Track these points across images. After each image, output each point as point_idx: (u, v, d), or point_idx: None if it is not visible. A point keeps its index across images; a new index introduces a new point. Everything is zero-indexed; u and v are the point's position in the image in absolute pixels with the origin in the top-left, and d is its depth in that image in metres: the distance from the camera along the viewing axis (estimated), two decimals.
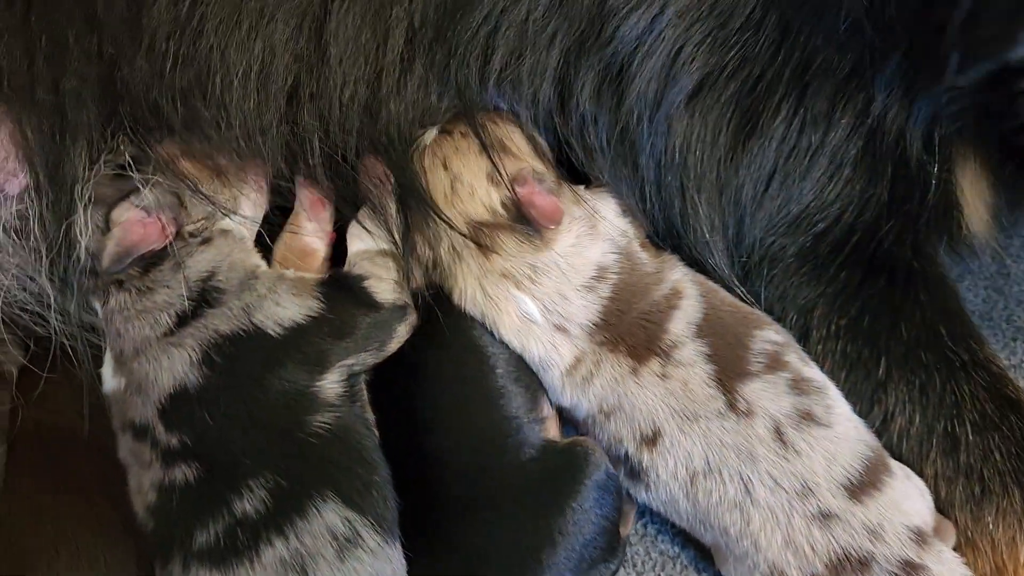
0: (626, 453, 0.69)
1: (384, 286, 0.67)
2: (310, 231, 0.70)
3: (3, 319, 0.68)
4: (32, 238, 0.66)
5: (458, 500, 0.66)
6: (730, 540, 0.66)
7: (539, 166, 0.72)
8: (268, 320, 0.63)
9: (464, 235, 0.69)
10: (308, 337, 0.63)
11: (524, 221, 0.70)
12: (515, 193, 0.69)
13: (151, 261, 0.64)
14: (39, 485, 0.65)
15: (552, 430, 0.70)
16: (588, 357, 0.70)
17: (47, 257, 0.65)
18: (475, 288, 0.69)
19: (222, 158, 0.67)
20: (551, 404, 0.72)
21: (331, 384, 0.63)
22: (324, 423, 0.62)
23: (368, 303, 0.65)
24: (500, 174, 0.70)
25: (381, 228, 0.69)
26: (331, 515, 0.59)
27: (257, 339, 0.62)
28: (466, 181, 0.70)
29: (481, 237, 0.69)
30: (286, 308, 0.63)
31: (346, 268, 0.68)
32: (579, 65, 0.72)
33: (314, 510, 0.59)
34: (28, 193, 0.65)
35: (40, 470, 0.66)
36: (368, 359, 0.65)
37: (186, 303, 0.63)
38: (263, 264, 0.67)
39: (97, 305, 0.66)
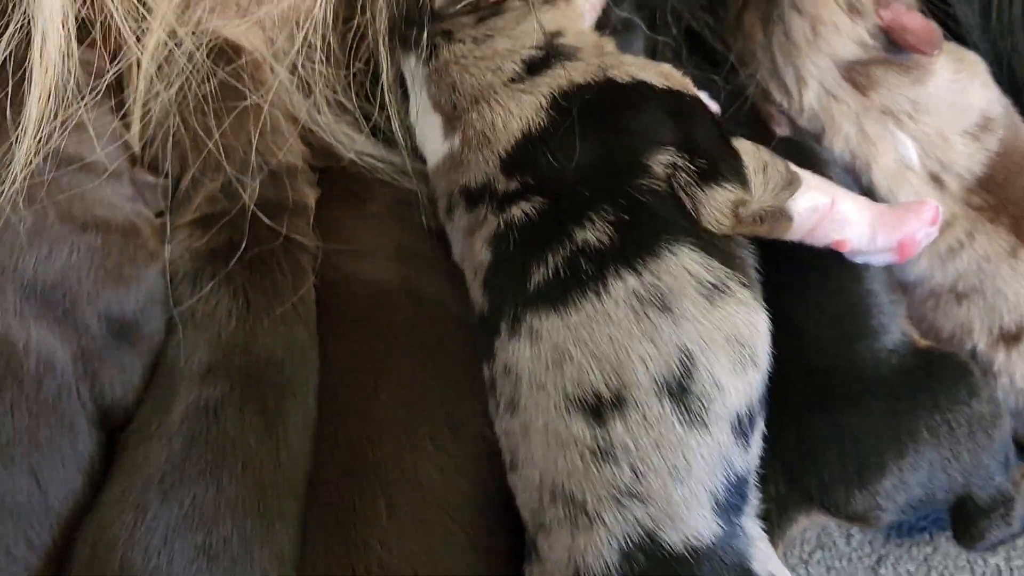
0: (974, 349, 0.60)
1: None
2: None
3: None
4: None
5: (812, 377, 0.57)
6: None
7: None
8: (622, 74, 0.57)
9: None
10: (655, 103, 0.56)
11: (897, 50, 0.62)
12: (882, 19, 0.62)
13: (484, 13, 0.59)
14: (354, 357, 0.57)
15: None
16: (960, 223, 0.60)
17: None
18: (852, 127, 0.62)
19: None
20: None
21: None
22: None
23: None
24: (860, 4, 0.62)
25: None
26: (690, 262, 0.51)
27: (609, 87, 0.56)
28: (827, 19, 0.63)
29: (856, 76, 0.63)
30: (643, 69, 0.58)
31: None
32: None
33: (668, 253, 0.51)
34: None
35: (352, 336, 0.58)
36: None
37: (535, 51, 0.58)
38: (611, 43, 0.61)
39: (417, 65, 0.60)
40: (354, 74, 0.65)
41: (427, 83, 0.60)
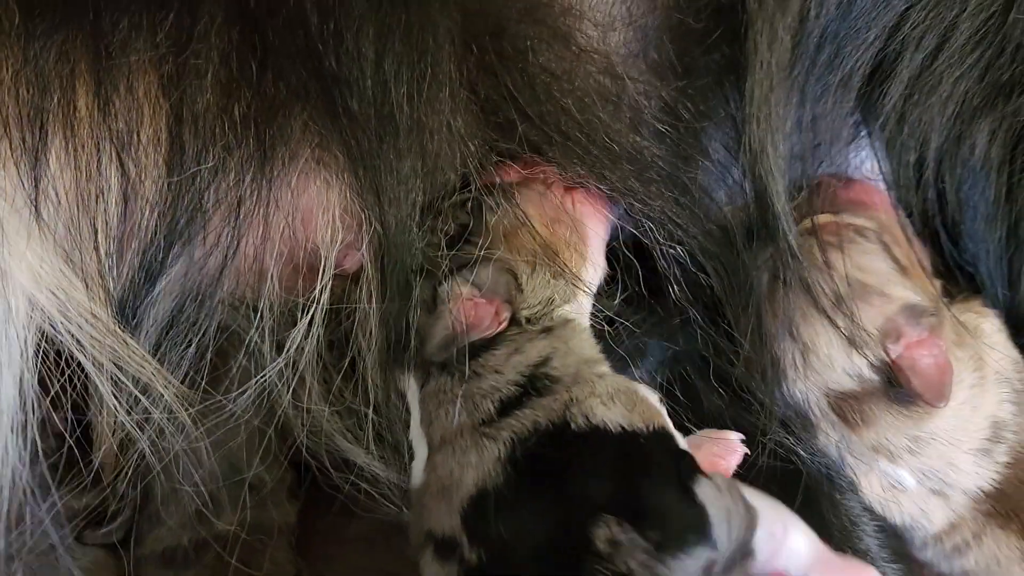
0: None
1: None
2: None
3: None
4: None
5: None
6: None
7: (910, 294, 0.58)
8: (580, 415, 0.53)
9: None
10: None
11: (900, 389, 0.55)
12: (889, 354, 0.55)
13: (481, 345, 0.56)
14: None
15: None
16: (967, 526, 0.57)
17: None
18: (835, 452, 0.57)
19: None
20: None
21: None
22: None
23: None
24: (863, 337, 0.55)
25: None
26: None
27: (558, 438, 0.53)
28: (820, 351, 0.57)
29: (845, 410, 0.56)
30: (609, 403, 0.53)
31: None
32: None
33: None
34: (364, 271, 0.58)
35: None
36: None
37: (513, 388, 0.54)
38: (605, 365, 0.57)
39: (412, 385, 0.58)
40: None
41: (421, 404, 0.57)
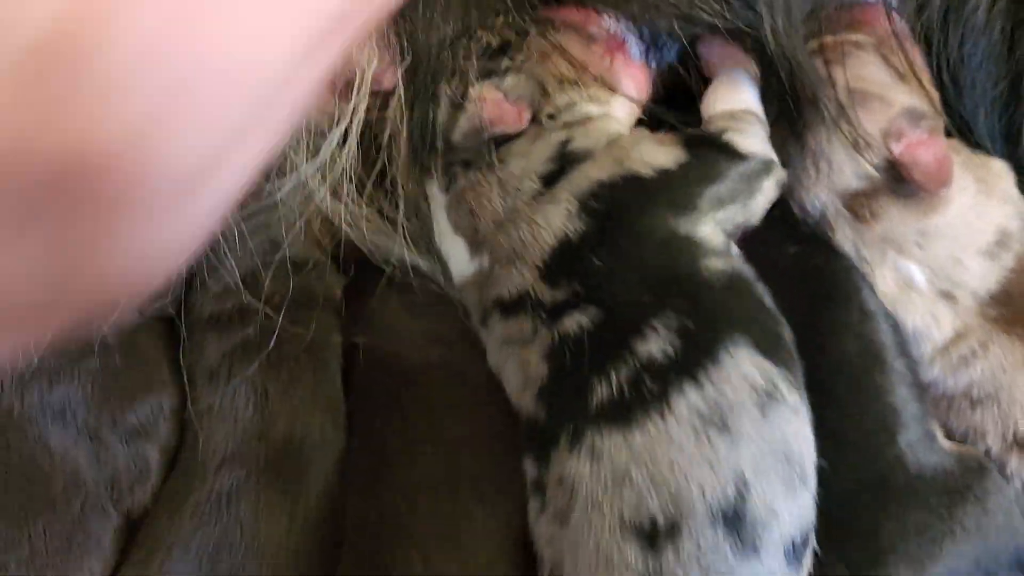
0: (987, 451, 0.59)
1: (746, 139, 0.60)
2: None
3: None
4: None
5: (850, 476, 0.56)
6: None
7: (909, 99, 0.61)
8: (638, 164, 0.57)
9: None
10: (677, 181, 0.57)
11: (906, 183, 0.59)
12: (892, 152, 0.59)
13: (502, 140, 0.60)
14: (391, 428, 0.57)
15: None
16: (974, 334, 0.59)
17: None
18: (851, 249, 0.60)
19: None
20: None
21: (710, 232, 0.57)
22: (717, 269, 0.55)
23: (731, 153, 0.59)
24: (868, 140, 0.59)
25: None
26: (745, 363, 0.50)
27: (632, 182, 0.56)
28: (830, 155, 0.61)
29: (857, 208, 0.60)
30: (655, 154, 0.58)
31: (702, 127, 0.62)
32: None
33: (727, 355, 0.50)
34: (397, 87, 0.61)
35: (388, 410, 0.58)
36: (737, 215, 0.59)
37: (548, 165, 0.58)
38: (624, 130, 0.61)
39: (437, 191, 0.61)
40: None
41: (447, 210, 0.61)
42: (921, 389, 0.59)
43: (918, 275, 0.60)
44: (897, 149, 0.59)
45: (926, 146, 0.59)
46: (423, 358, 0.59)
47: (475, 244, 0.59)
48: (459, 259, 0.60)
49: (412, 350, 0.59)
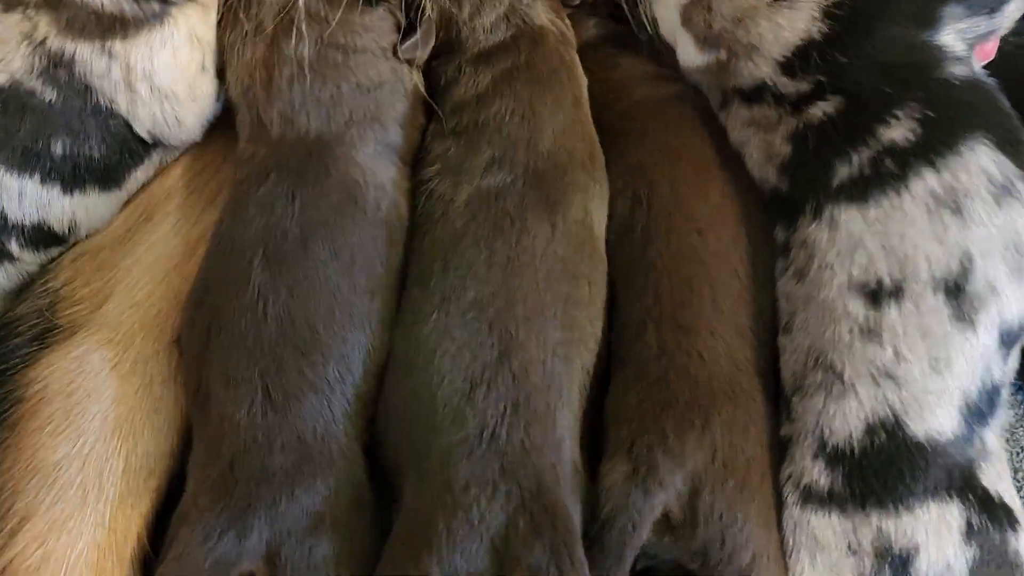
0: None
1: None
2: None
3: None
4: None
5: None
6: None
7: None
8: None
9: None
10: None
11: None
12: None
13: None
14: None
15: None
16: None
17: None
18: None
19: None
20: None
21: (952, 40, 0.59)
22: (958, 72, 0.58)
23: None
24: None
25: None
26: (984, 157, 0.54)
27: None
28: None
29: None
30: None
31: None
32: None
33: (966, 147, 0.54)
34: None
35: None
36: (980, 27, 0.60)
37: None
38: None
39: None
40: None
41: (678, 6, 0.64)
42: None
43: None
44: None
45: None
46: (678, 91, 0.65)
47: (706, 39, 0.62)
48: (687, 51, 0.64)
49: (659, 90, 0.66)
